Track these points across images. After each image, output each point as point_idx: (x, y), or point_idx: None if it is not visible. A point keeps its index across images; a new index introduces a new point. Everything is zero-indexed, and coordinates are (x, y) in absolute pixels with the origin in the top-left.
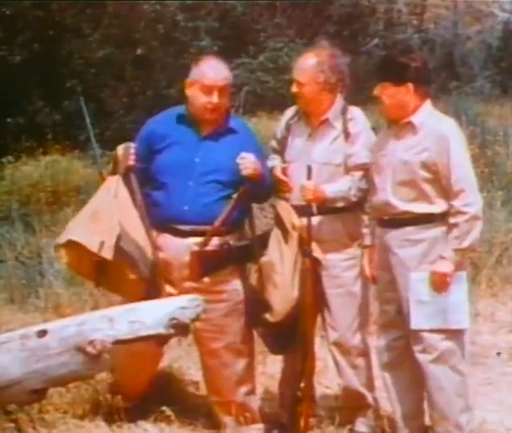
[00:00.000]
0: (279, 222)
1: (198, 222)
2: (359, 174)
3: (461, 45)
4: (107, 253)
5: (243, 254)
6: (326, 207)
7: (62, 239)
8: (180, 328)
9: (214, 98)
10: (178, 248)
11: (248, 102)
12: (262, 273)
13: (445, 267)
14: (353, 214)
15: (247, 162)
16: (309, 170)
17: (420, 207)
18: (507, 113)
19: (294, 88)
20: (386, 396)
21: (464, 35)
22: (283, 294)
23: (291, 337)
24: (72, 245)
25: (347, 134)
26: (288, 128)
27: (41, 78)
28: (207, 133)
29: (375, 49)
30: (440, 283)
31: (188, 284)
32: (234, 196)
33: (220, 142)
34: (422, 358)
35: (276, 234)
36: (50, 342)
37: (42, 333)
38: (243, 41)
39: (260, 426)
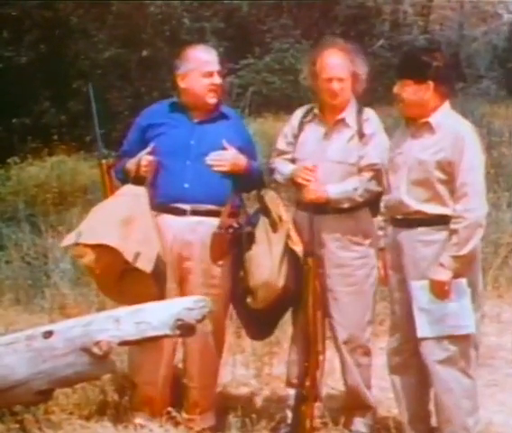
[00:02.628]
0: (266, 211)
1: (199, 200)
2: (368, 175)
3: (466, 46)
4: (145, 266)
5: (239, 239)
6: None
7: (91, 240)
8: (186, 329)
9: (216, 79)
10: (180, 227)
11: (254, 103)
12: (250, 260)
13: (443, 275)
14: (366, 212)
15: (221, 160)
16: None
17: (433, 208)
18: None
19: (336, 86)
20: (391, 397)
21: (470, 36)
22: (268, 283)
23: (271, 325)
24: (99, 248)
25: (362, 135)
26: (300, 127)
27: (48, 78)
28: (201, 119)
29: (381, 50)
30: (439, 291)
31: (189, 264)
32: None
33: (214, 126)
34: (430, 361)
35: (263, 222)
36: (56, 342)
37: (48, 333)
38: (249, 41)
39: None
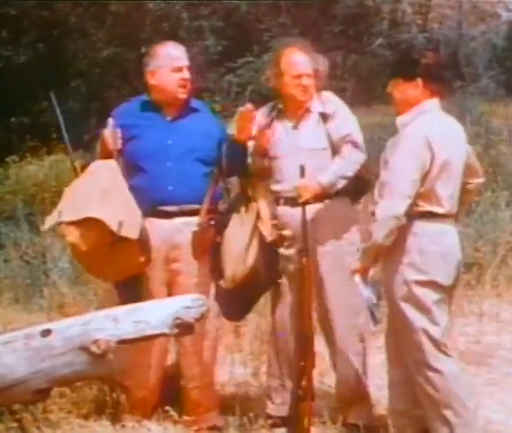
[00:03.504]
0: (244, 193)
1: (184, 201)
2: (347, 147)
3: (465, 45)
4: (131, 233)
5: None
6: (329, 194)
7: (73, 216)
8: (184, 328)
9: (186, 74)
10: (168, 230)
11: (252, 101)
12: (224, 241)
13: (355, 264)
14: (348, 199)
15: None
16: (302, 169)
17: None
18: None
19: (306, 81)
20: (381, 395)
21: (469, 35)
22: (236, 261)
23: (245, 307)
24: (83, 224)
25: (325, 116)
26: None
27: (46, 77)
28: (174, 116)
29: (379, 48)
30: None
31: (177, 265)
32: (216, 171)
33: (187, 122)
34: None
35: (240, 203)
36: (55, 341)
37: (47, 332)
38: (248, 40)
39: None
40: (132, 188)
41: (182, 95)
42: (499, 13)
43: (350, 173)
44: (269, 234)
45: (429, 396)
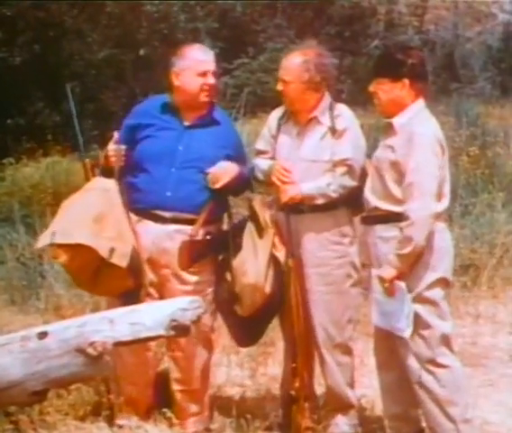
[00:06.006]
0: (254, 217)
1: (180, 209)
2: (341, 170)
3: (461, 46)
4: (121, 261)
5: (221, 245)
6: (318, 205)
7: (64, 240)
8: (181, 330)
9: (210, 79)
10: (159, 234)
11: (249, 103)
12: (235, 266)
13: (386, 272)
14: (344, 210)
15: (214, 178)
16: None
17: (388, 206)
18: (508, 114)
19: (279, 87)
20: (377, 396)
21: (465, 36)
22: (255, 289)
23: (259, 332)
24: (74, 248)
25: (334, 131)
26: (278, 128)
27: (42, 79)
28: (192, 123)
29: (376, 50)
30: (383, 288)
31: (166, 271)
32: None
33: (204, 131)
34: (400, 354)
35: (250, 228)
36: (51, 343)
37: (43, 334)
38: (243, 41)
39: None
40: (132, 187)
41: (204, 98)
42: (495, 13)
43: (334, 195)
44: (283, 259)
45: (434, 394)
